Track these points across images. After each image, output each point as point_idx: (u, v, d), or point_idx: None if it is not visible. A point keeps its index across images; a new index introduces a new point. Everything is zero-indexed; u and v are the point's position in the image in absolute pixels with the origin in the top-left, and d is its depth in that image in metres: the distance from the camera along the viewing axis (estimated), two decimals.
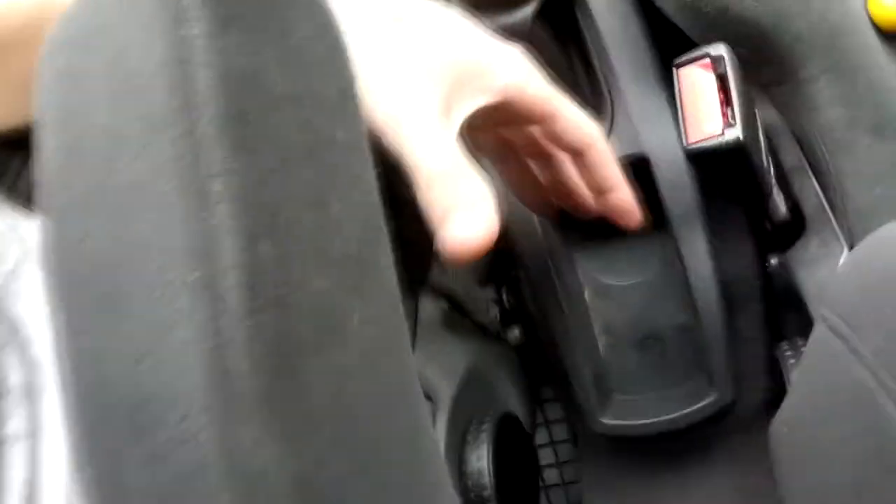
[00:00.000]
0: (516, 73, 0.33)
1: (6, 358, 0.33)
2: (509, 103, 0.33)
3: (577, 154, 0.37)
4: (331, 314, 0.20)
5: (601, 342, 0.52)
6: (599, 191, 0.39)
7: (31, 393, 0.33)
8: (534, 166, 0.41)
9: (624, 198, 0.39)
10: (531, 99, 0.34)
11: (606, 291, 0.52)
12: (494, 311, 0.54)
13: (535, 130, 0.38)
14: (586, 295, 0.52)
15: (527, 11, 0.42)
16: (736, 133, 0.35)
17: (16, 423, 0.32)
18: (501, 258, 0.55)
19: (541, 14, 0.42)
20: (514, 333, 0.55)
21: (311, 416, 0.19)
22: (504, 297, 0.55)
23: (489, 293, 0.55)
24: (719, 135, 0.36)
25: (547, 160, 0.40)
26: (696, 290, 0.48)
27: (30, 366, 0.33)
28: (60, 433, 0.33)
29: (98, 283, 0.19)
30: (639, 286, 0.51)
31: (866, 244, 0.31)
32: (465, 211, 0.28)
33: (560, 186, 0.41)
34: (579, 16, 0.43)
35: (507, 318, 0.55)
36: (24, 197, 0.41)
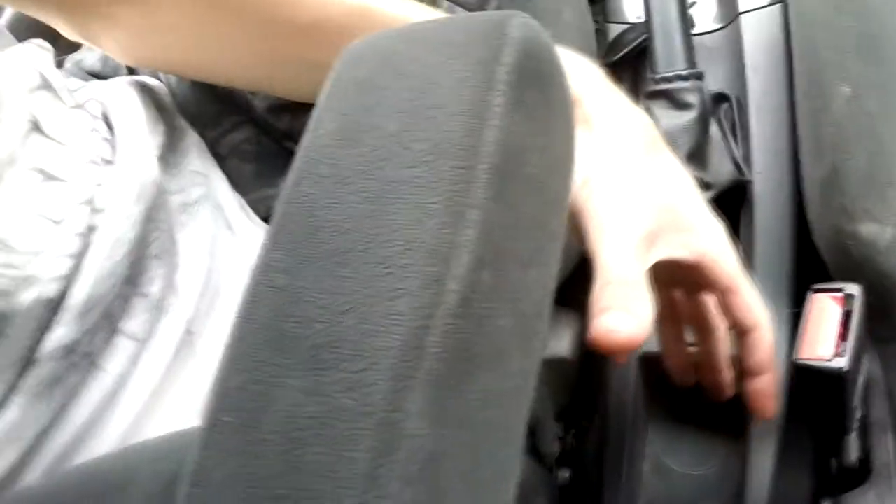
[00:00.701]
0: (718, 243, 0.37)
1: (158, 268, 0.37)
2: (700, 266, 0.36)
3: (743, 332, 0.39)
4: (502, 348, 0.24)
5: None
6: (750, 372, 0.41)
7: (158, 307, 0.37)
8: (690, 337, 0.44)
9: (769, 384, 0.41)
10: (721, 269, 0.37)
11: (663, 471, 0.54)
12: (556, 447, 0.57)
13: (708, 301, 0.41)
14: (644, 467, 0.55)
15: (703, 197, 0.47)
16: (841, 364, 0.39)
17: (135, 325, 0.36)
18: (582, 404, 0.58)
19: (713, 202, 0.47)
20: (564, 475, 0.58)
21: (458, 413, 0.23)
22: (569, 438, 0.58)
23: (558, 429, 0.58)
24: (827, 359, 0.39)
25: (707, 333, 0.42)
26: (750, 497, 0.50)
27: (169, 286, 0.38)
28: (165, 349, 0.37)
29: (332, 243, 0.24)
30: (693, 478, 0.54)
31: None
32: (624, 312, 0.31)
33: (709, 360, 0.43)
34: (742, 218, 0.48)
35: (563, 458, 0.58)
36: (220, 152, 0.47)
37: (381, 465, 0.21)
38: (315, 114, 0.28)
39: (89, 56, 0.53)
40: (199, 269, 0.39)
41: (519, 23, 0.26)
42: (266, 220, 0.45)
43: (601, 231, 0.33)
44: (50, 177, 0.34)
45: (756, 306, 0.39)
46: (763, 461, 0.51)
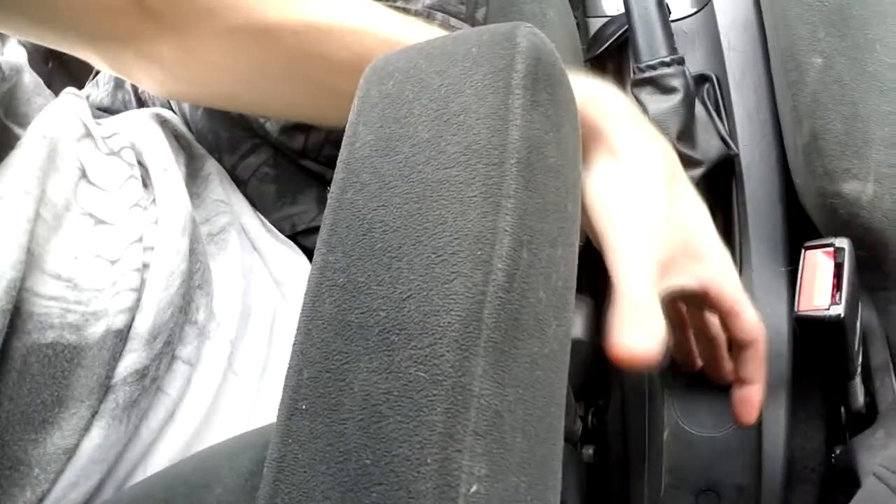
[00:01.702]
0: (723, 273, 0.41)
1: (200, 297, 0.41)
2: (706, 293, 0.41)
3: (740, 347, 0.44)
4: (541, 318, 0.29)
5: (664, 482, 0.59)
6: (742, 381, 0.45)
7: (203, 334, 0.41)
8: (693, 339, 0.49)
9: (755, 395, 0.45)
10: (724, 295, 0.41)
11: (683, 437, 0.59)
12: (579, 425, 0.62)
13: (710, 318, 0.46)
14: (665, 435, 0.59)
15: (696, 173, 0.52)
16: (839, 311, 0.44)
17: (188, 350, 0.40)
18: (597, 382, 0.63)
19: (704, 177, 0.52)
20: (588, 452, 0.62)
21: (513, 375, 0.27)
22: (590, 417, 0.63)
23: (578, 408, 0.63)
24: (825, 309, 0.45)
25: (709, 343, 0.48)
26: (766, 456, 0.55)
27: (209, 313, 0.41)
28: (212, 371, 0.40)
29: (384, 241, 0.28)
30: (713, 440, 0.59)
31: None
32: (642, 330, 0.36)
33: (712, 362, 0.49)
34: (734, 189, 0.53)
35: (586, 436, 0.63)
36: (241, 177, 0.51)
37: (457, 423, 0.26)
38: (349, 129, 0.32)
39: (95, 92, 0.57)
40: (234, 296, 0.43)
41: (525, 32, 0.31)
42: (291, 237, 0.49)
43: (622, 257, 0.37)
44: (99, 221, 0.38)
45: (754, 326, 0.43)
46: (776, 418, 0.56)
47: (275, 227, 0.49)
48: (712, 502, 0.58)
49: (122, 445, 0.37)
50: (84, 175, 0.39)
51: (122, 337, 0.36)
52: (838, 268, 0.46)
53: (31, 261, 0.34)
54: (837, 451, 0.55)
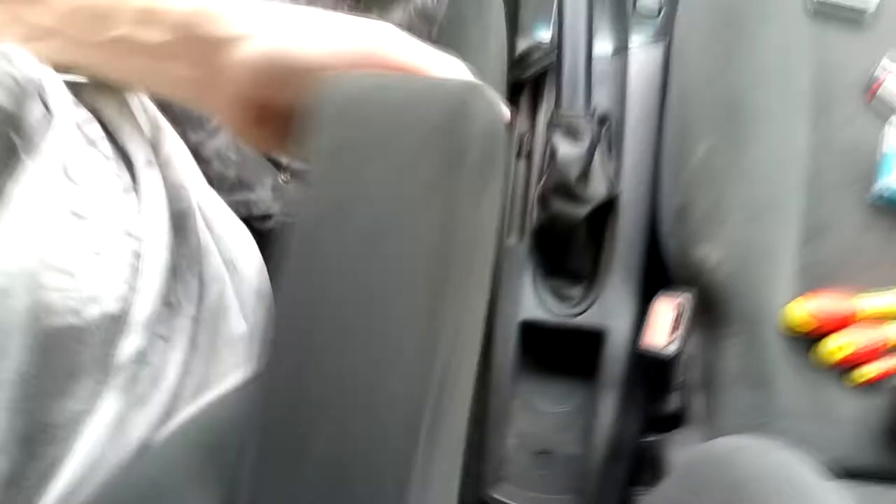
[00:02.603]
0: None
1: (172, 281, 0.44)
2: None
3: None
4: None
5: (511, 441, 0.73)
6: None
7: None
8: None
9: None
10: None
11: (530, 408, 0.73)
12: None
13: None
14: (515, 405, 0.73)
15: (582, 211, 0.64)
16: (673, 349, 0.58)
17: (165, 329, 0.43)
18: None
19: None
20: None
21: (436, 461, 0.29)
22: None
23: None
24: (661, 347, 0.59)
25: None
26: (596, 432, 0.70)
27: (176, 296, 0.45)
28: (181, 347, 0.43)
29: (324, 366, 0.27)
30: (554, 415, 0.73)
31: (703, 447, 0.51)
32: None
33: None
34: (608, 223, 0.66)
35: None
36: (204, 156, 0.54)
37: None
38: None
39: None
40: (192, 276, 0.47)
41: (483, 107, 0.27)
42: (245, 220, 0.53)
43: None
44: (81, 217, 0.40)
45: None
46: (608, 407, 0.71)
47: (230, 208, 0.54)
48: (548, 460, 0.73)
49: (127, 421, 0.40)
50: (66, 173, 0.41)
51: (118, 321, 0.39)
52: (679, 315, 0.59)
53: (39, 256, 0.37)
54: (651, 440, 0.70)
